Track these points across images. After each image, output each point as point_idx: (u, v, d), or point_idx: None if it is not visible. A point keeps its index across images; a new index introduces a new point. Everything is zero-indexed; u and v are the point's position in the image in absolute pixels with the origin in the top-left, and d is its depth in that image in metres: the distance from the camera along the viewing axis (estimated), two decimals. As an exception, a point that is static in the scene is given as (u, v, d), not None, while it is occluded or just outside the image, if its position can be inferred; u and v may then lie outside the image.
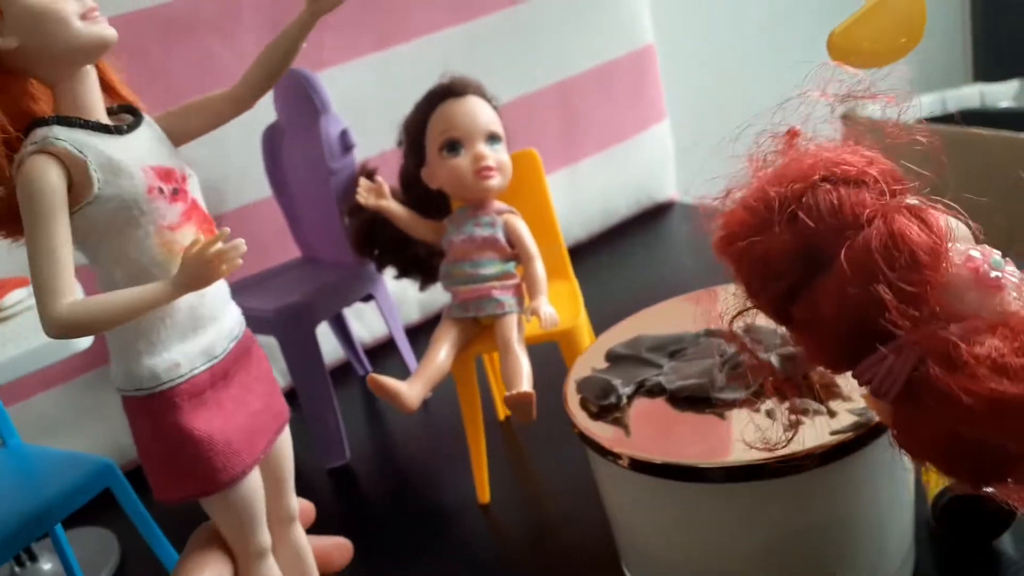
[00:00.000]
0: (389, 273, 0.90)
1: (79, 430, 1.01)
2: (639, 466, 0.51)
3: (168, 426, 0.45)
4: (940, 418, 0.34)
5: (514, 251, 0.74)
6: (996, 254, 0.35)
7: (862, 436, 0.47)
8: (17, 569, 0.82)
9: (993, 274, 0.33)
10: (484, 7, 1.15)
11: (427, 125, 0.74)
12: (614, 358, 0.62)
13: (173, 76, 0.98)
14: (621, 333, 0.66)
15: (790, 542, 0.51)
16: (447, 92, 0.74)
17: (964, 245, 0.35)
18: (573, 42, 1.26)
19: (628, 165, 1.36)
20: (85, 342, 0.75)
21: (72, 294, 0.41)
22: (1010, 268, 0.34)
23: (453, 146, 0.73)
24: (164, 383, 0.45)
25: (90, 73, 0.45)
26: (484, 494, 0.79)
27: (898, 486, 0.53)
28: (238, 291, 0.96)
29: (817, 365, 0.40)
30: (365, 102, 1.02)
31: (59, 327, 0.41)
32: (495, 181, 0.73)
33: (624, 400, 0.56)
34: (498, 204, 0.75)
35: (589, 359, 0.63)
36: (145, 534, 0.61)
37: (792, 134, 0.40)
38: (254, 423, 0.49)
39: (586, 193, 1.33)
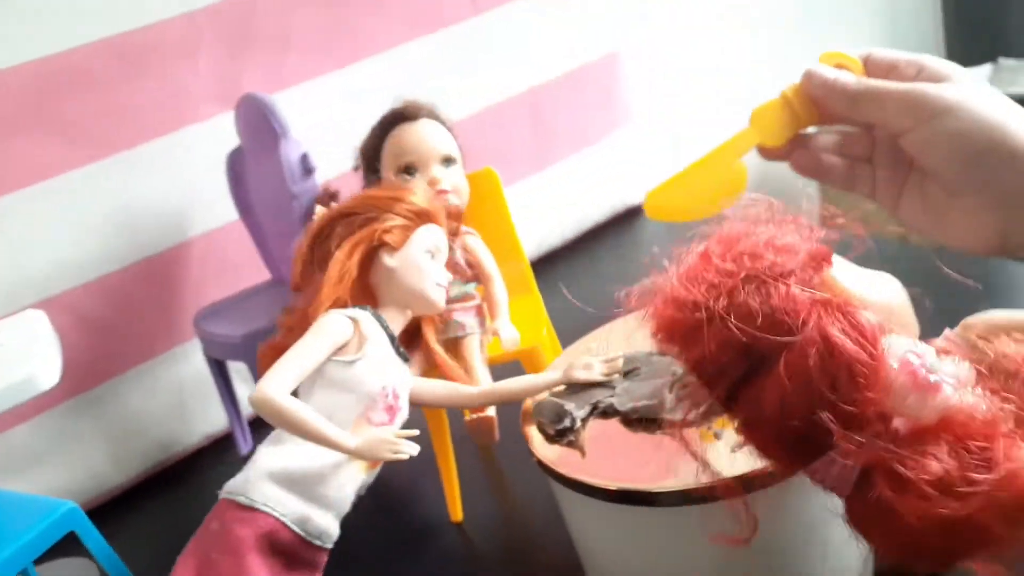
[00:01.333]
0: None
1: (57, 460, 1.01)
2: (594, 492, 0.52)
3: (236, 538, 0.52)
4: (891, 527, 0.34)
5: (474, 272, 0.74)
6: (930, 352, 0.35)
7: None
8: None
9: (931, 378, 0.34)
10: (445, 18, 1.15)
11: (382, 151, 0.75)
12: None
13: (140, 104, 0.98)
14: (578, 351, 0.66)
15: (749, 561, 0.51)
16: (399, 117, 0.74)
17: (899, 345, 0.35)
18: (539, 49, 1.27)
19: (599, 170, 1.37)
20: (49, 382, 0.74)
21: (290, 389, 0.52)
22: (947, 365, 0.35)
23: (408, 171, 0.73)
24: (265, 505, 0.53)
25: (405, 319, 0.62)
26: (456, 512, 0.79)
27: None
28: (208, 316, 0.97)
29: (767, 462, 0.41)
30: (327, 122, 1.01)
31: (259, 400, 0.51)
32: (453, 199, 0.73)
33: (578, 423, 0.57)
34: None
35: (546, 381, 0.63)
36: (110, 570, 0.62)
37: (704, 255, 0.41)
38: None
39: (559, 199, 1.33)
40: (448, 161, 0.74)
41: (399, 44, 1.11)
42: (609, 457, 0.54)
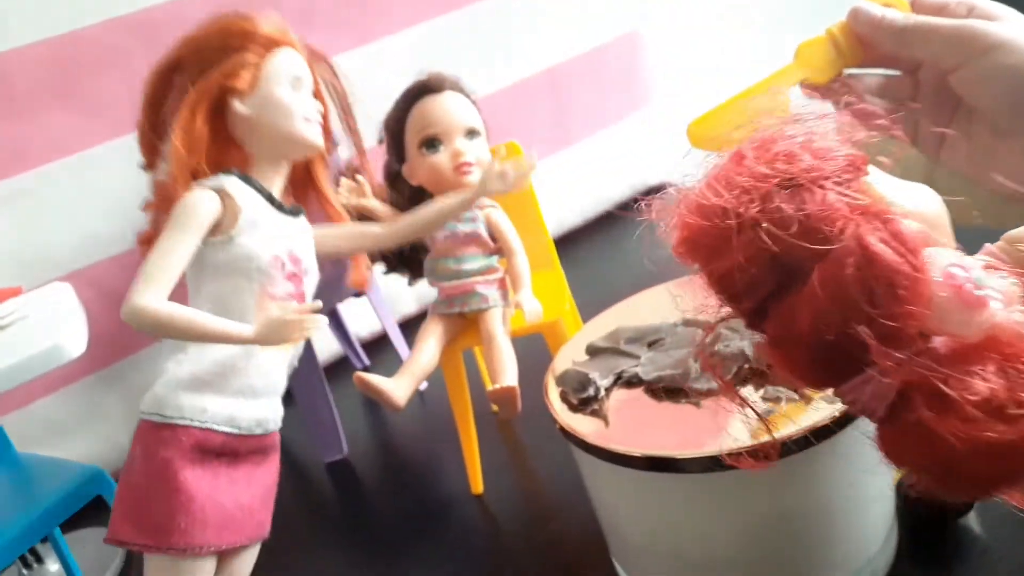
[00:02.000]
0: (379, 269, 0.91)
1: (81, 433, 1.02)
2: (619, 459, 0.52)
3: (161, 460, 0.47)
4: (930, 451, 0.33)
5: (497, 245, 0.74)
6: (978, 266, 0.33)
7: (837, 422, 0.48)
8: (24, 571, 0.83)
9: (977, 292, 0.31)
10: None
11: (406, 123, 0.75)
12: (593, 351, 0.62)
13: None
14: (602, 324, 0.66)
15: (772, 527, 0.52)
16: (424, 89, 0.74)
17: (943, 257, 0.34)
18: (562, 29, 1.26)
19: (619, 149, 1.36)
20: (77, 350, 0.76)
21: (164, 295, 0.46)
22: (993, 279, 0.32)
23: (432, 143, 0.73)
24: (182, 419, 0.48)
25: (285, 168, 0.54)
26: (477, 485, 0.80)
27: (875, 469, 0.53)
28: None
29: (793, 382, 0.39)
30: (350, 97, 1.02)
31: (136, 313, 0.45)
32: (474, 176, 0.73)
33: (602, 392, 0.57)
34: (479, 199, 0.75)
35: (570, 352, 0.64)
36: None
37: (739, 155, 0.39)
38: (235, 515, 0.50)
39: (579, 178, 1.33)
40: (472, 134, 0.74)
41: (422, 21, 1.11)
42: (633, 426, 0.54)
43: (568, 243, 1.28)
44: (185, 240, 0.47)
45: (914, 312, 0.31)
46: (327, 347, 1.13)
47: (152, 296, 0.46)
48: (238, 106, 0.50)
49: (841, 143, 0.37)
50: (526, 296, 0.71)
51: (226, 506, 0.48)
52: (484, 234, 0.74)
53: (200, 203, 0.48)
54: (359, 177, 0.76)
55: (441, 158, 0.73)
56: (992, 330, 0.31)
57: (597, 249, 1.28)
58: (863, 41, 0.52)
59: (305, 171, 0.57)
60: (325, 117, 0.55)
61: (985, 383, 0.29)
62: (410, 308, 1.22)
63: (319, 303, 0.49)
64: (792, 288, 0.34)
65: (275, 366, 0.52)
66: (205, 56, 0.51)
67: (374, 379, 0.67)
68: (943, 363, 0.31)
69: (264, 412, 0.52)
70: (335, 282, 0.97)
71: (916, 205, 0.36)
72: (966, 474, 0.31)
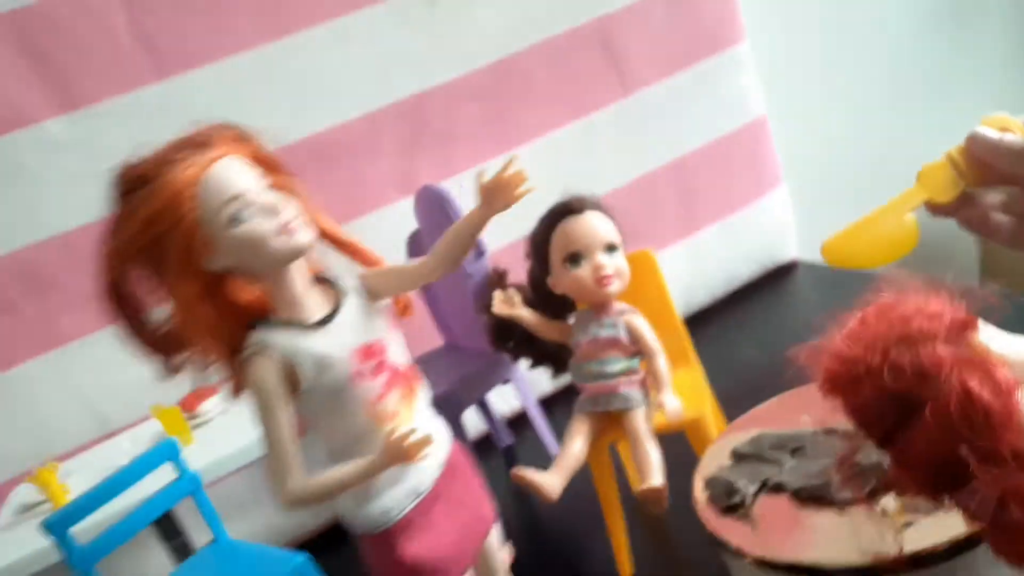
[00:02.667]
0: (523, 362, 0.98)
1: (261, 506, 1.14)
2: (765, 565, 0.56)
3: (389, 558, 0.53)
4: None
5: (637, 348, 0.80)
6: None
7: (976, 536, 0.50)
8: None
9: None
10: (597, 101, 1.23)
11: (551, 241, 0.82)
12: (739, 456, 0.66)
13: (328, 194, 1.11)
14: (745, 427, 0.70)
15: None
16: (567, 210, 0.82)
17: None
18: (686, 122, 1.32)
19: (747, 231, 1.40)
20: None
21: (298, 472, 0.50)
22: None
23: (575, 259, 0.80)
24: (380, 526, 0.53)
25: (295, 268, 0.52)
26: (624, 569, 0.84)
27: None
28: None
29: (914, 494, 0.45)
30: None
31: (291, 503, 0.50)
32: (614, 287, 0.80)
33: (749, 499, 0.61)
34: (619, 305, 0.82)
35: (715, 456, 0.68)
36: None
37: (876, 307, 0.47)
38: (463, 532, 0.55)
39: (708, 261, 1.37)
40: (611, 248, 0.81)
41: (553, 129, 1.20)
42: (779, 532, 0.58)
43: (699, 324, 1.32)
44: (278, 419, 0.49)
45: (1006, 436, 0.40)
46: (474, 426, 1.21)
47: (293, 482, 0.50)
48: (212, 264, 0.49)
49: (951, 305, 0.45)
50: (667, 396, 0.76)
51: (453, 535, 0.54)
52: (624, 338, 0.80)
53: (262, 378, 0.48)
54: (510, 289, 0.84)
55: (583, 272, 0.80)
56: None
57: (729, 329, 1.32)
58: (981, 163, 0.56)
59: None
60: (291, 185, 0.51)
61: None
62: (546, 388, 1.28)
63: (429, 435, 0.51)
64: (911, 421, 0.43)
65: (419, 431, 0.53)
66: (146, 257, 0.48)
67: (531, 475, 0.73)
68: None
69: (433, 460, 0.55)
70: (482, 375, 1.06)
71: (1017, 354, 0.43)
72: None
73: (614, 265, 0.80)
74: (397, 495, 0.53)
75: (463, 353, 1.10)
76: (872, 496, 0.58)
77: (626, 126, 1.24)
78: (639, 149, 1.28)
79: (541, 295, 0.87)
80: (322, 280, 0.55)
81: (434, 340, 1.15)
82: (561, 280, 0.82)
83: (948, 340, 0.43)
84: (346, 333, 0.52)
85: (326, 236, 0.56)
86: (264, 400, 0.49)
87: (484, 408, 1.21)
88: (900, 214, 0.57)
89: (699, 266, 1.35)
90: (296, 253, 0.51)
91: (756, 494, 0.62)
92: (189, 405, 0.93)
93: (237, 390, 0.53)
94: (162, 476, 0.76)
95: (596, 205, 0.83)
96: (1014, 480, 0.39)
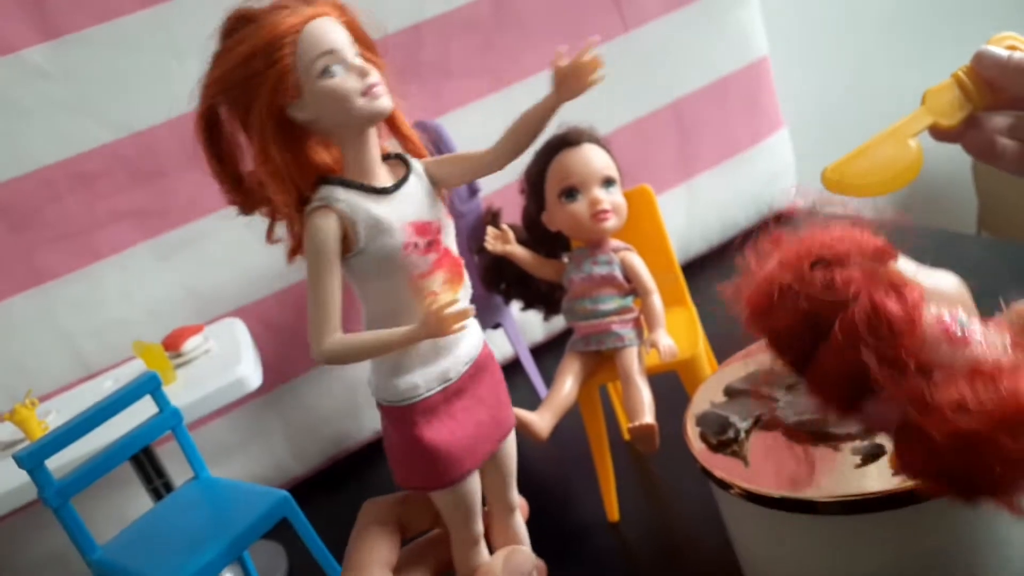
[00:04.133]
0: (515, 304, 0.96)
1: (247, 452, 1.13)
2: (756, 498, 0.55)
3: (405, 433, 0.53)
4: (923, 452, 0.41)
5: (631, 286, 0.78)
6: (963, 314, 0.43)
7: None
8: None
9: (960, 331, 0.42)
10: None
11: (546, 174, 0.80)
12: (732, 392, 0.65)
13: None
14: (739, 364, 0.69)
15: (909, 569, 0.53)
16: (563, 142, 0.79)
17: (938, 308, 0.43)
18: (686, 61, 1.29)
19: (746, 176, 1.37)
20: (255, 383, 0.85)
21: (337, 332, 0.49)
22: (974, 325, 0.43)
23: (570, 193, 0.78)
24: (404, 400, 0.52)
25: (370, 135, 0.52)
26: (613, 512, 0.83)
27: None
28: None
29: (828, 412, 0.47)
30: (486, 142, 1.08)
31: (328, 357, 0.49)
32: (611, 223, 0.77)
33: (742, 434, 0.60)
34: (614, 242, 0.80)
35: (708, 393, 0.67)
36: (314, 551, 0.70)
37: (776, 239, 0.49)
38: (479, 432, 0.55)
39: (704, 207, 1.34)
40: (608, 182, 0.79)
41: (550, 66, 1.16)
42: (772, 467, 0.57)
43: (694, 270, 1.30)
44: (328, 277, 0.49)
45: (909, 344, 0.42)
46: (463, 374, 1.19)
47: (330, 338, 0.49)
48: (296, 113, 0.50)
49: (875, 236, 0.46)
50: (661, 335, 0.75)
51: (469, 431, 0.54)
52: (619, 276, 0.78)
53: (320, 231, 0.49)
54: (503, 225, 0.82)
55: (579, 207, 0.77)
56: (975, 363, 0.41)
57: (725, 275, 1.29)
58: (990, 84, 0.53)
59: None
60: (381, 65, 0.52)
61: (956, 390, 0.40)
62: (538, 337, 1.27)
63: (469, 307, 0.50)
64: (822, 343, 0.44)
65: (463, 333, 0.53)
66: (239, 91, 0.49)
67: (520, 412, 0.72)
68: (934, 385, 0.41)
69: (465, 350, 0.54)
70: (476, 315, 1.04)
71: (935, 284, 0.45)
72: (953, 470, 0.40)
73: (611, 200, 0.78)
74: (428, 375, 0.52)
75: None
76: (869, 432, 0.56)
77: (626, 63, 1.21)
78: (638, 88, 1.25)
79: (535, 233, 0.85)
80: (390, 158, 0.55)
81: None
82: (556, 215, 0.80)
83: (863, 264, 0.44)
84: (406, 205, 0.52)
85: (392, 120, 0.56)
86: (319, 252, 0.49)
87: (475, 354, 1.19)
88: (904, 139, 0.54)
89: (696, 211, 1.32)
90: (377, 115, 0.51)
91: (749, 430, 0.60)
92: (173, 344, 0.91)
93: (294, 252, 0.53)
94: (143, 412, 0.74)
95: (594, 138, 0.80)
96: (913, 385, 0.41)
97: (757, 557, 0.61)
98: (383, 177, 0.53)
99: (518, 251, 0.82)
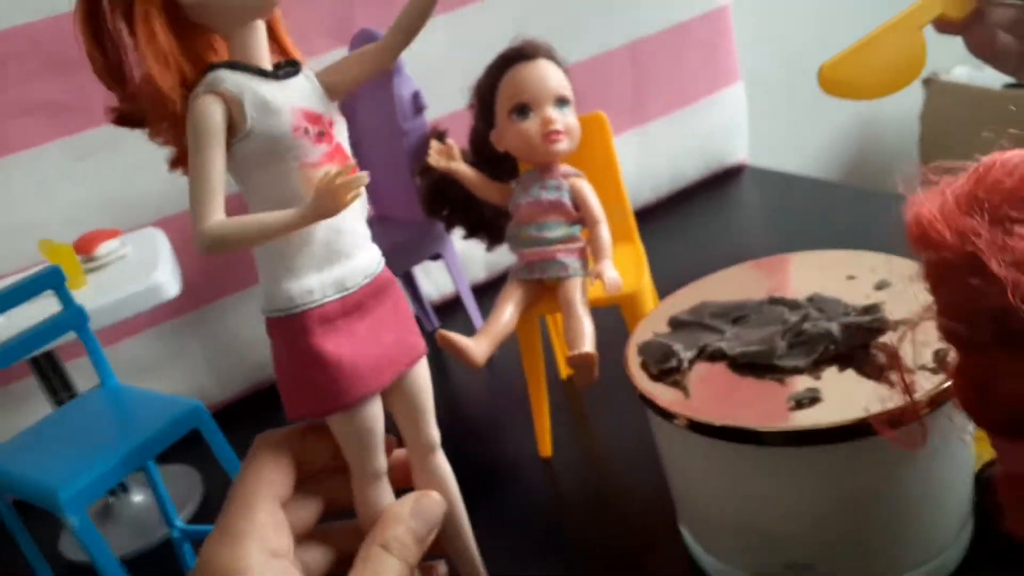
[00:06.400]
0: (457, 233, 0.92)
1: (164, 373, 1.07)
2: (697, 427, 0.53)
3: (299, 346, 0.48)
4: None
5: (579, 214, 0.75)
6: None
7: (929, 404, 0.48)
8: (110, 499, 0.88)
9: None
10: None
11: (497, 89, 0.75)
12: (677, 324, 0.63)
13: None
14: (685, 298, 0.67)
15: (849, 507, 0.52)
16: (517, 56, 0.75)
17: None
18: (646, 2, 1.25)
19: (698, 128, 1.35)
20: (173, 291, 0.79)
21: (219, 215, 0.46)
22: None
23: (522, 110, 0.74)
24: (298, 306, 0.48)
25: (259, 27, 0.49)
26: (545, 448, 0.81)
27: (958, 452, 0.53)
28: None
29: (974, 422, 0.37)
30: (437, 63, 1.03)
31: (209, 240, 0.45)
32: (563, 145, 0.74)
33: (685, 364, 0.58)
34: (564, 168, 0.76)
35: (651, 324, 0.64)
36: (228, 470, 0.66)
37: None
38: (383, 354, 0.51)
39: (655, 155, 1.32)
40: (562, 102, 0.75)
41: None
42: (714, 398, 0.55)
43: (642, 220, 1.28)
44: (211, 156, 0.46)
45: None
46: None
47: (210, 219, 0.46)
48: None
49: None
50: (607, 267, 0.72)
51: (372, 352, 0.50)
52: (568, 203, 0.75)
53: (204, 112, 0.46)
54: (448, 140, 0.77)
55: (530, 125, 0.74)
56: None
57: (671, 228, 1.28)
58: None
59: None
60: None
61: None
62: (480, 275, 1.23)
63: (352, 163, 0.48)
64: (1010, 347, 0.32)
65: (352, 222, 0.51)
66: None
67: (457, 338, 0.68)
68: None
69: (362, 263, 0.51)
70: (412, 245, 1.00)
71: None
72: None
73: (564, 121, 0.74)
74: (324, 280, 0.49)
75: (393, 223, 1.03)
76: (817, 367, 0.55)
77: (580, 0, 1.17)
78: (596, 23, 1.21)
79: (483, 154, 0.80)
80: (280, 66, 0.52)
81: (363, 209, 1.07)
82: (506, 134, 0.76)
83: None
84: (296, 93, 0.49)
85: (272, 28, 0.52)
86: (201, 134, 0.46)
87: (413, 290, 1.15)
88: (910, 31, 0.50)
89: (646, 160, 1.30)
90: (266, 6, 0.48)
91: (693, 360, 0.58)
92: (85, 247, 0.85)
93: (177, 161, 0.49)
94: (47, 313, 0.68)
95: (550, 54, 0.76)
96: None
97: (693, 488, 0.59)
98: (268, 67, 0.50)
99: (463, 168, 0.78)
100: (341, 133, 0.52)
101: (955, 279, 0.33)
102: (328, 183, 0.46)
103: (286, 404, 0.51)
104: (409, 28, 0.51)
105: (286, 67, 0.52)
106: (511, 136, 0.75)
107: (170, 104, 0.48)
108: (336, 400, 0.49)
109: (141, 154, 0.99)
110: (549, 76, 0.74)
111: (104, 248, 0.85)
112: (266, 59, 0.50)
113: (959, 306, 0.34)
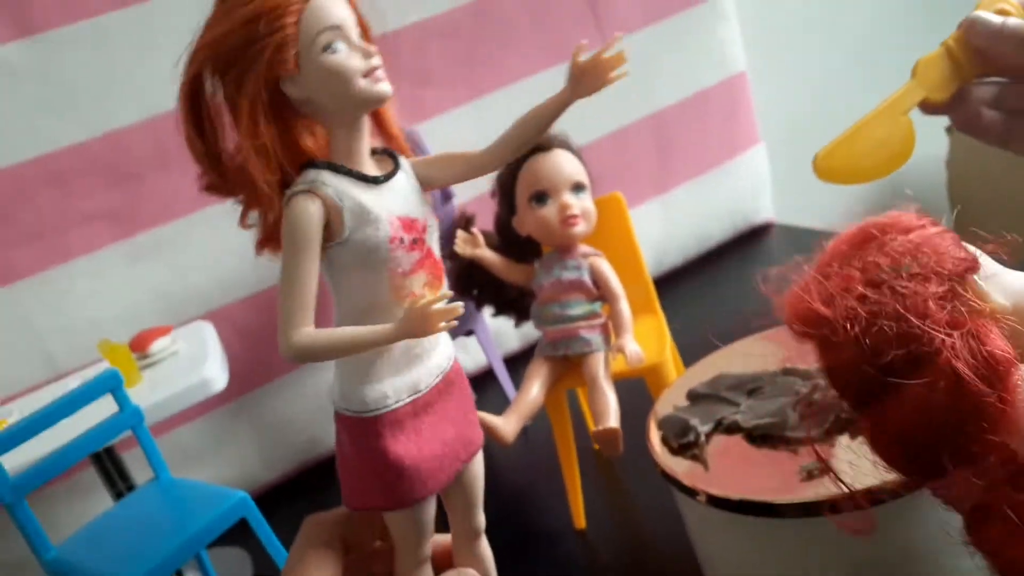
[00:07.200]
0: (487, 311, 0.96)
1: (215, 458, 1.12)
2: (716, 502, 0.54)
3: (368, 447, 0.49)
4: (1001, 559, 0.35)
5: (600, 292, 0.78)
6: None
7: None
8: (167, 585, 0.92)
9: None
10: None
11: (517, 178, 0.80)
12: (695, 396, 0.65)
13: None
14: (703, 370, 0.69)
15: (867, 573, 0.53)
16: (535, 147, 0.79)
17: None
18: (664, 75, 1.30)
19: (722, 190, 1.38)
20: (221, 384, 0.84)
21: (309, 324, 0.46)
22: None
23: (540, 197, 0.78)
24: (372, 411, 0.49)
25: (364, 122, 0.49)
26: (580, 519, 0.83)
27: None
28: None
29: (886, 469, 0.39)
30: (465, 147, 1.08)
31: (294, 353, 0.45)
32: (580, 228, 0.78)
33: (702, 438, 0.60)
34: (584, 248, 0.80)
35: (671, 397, 0.66)
36: (275, 556, 0.69)
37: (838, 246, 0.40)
38: (445, 451, 0.51)
39: (681, 220, 1.35)
40: (578, 188, 0.79)
41: (529, 75, 1.17)
42: (731, 470, 0.56)
43: (669, 284, 1.31)
44: (306, 262, 0.46)
45: (997, 441, 0.33)
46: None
47: (301, 331, 0.46)
48: (291, 88, 0.47)
49: (954, 243, 0.37)
50: (628, 341, 0.74)
51: (435, 450, 0.50)
52: (588, 281, 0.78)
53: (303, 215, 0.46)
54: (473, 229, 0.82)
55: (549, 211, 0.78)
56: None
57: (699, 289, 1.30)
58: (980, 52, 0.49)
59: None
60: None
61: None
62: (513, 345, 1.27)
63: (448, 292, 0.48)
64: (890, 390, 0.36)
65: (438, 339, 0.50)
66: (234, 58, 0.46)
67: (485, 416, 0.71)
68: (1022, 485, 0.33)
69: (436, 361, 0.51)
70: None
71: (1021, 301, 0.36)
72: None
73: (580, 206, 0.78)
74: (397, 385, 0.50)
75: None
76: (828, 435, 0.56)
77: (603, 76, 1.21)
78: (616, 100, 1.25)
79: (507, 238, 0.85)
80: (377, 153, 0.52)
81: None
82: (526, 220, 0.80)
83: (943, 294, 0.35)
84: (394, 199, 0.49)
85: (381, 117, 0.53)
86: (299, 236, 0.46)
87: (450, 363, 1.19)
88: (896, 116, 0.51)
89: (672, 225, 1.33)
90: (377, 98, 0.48)
91: (710, 434, 0.60)
92: (140, 345, 0.90)
93: (264, 242, 0.49)
94: (108, 412, 0.74)
95: (564, 144, 0.80)
96: (993, 491, 0.34)
97: (717, 560, 0.61)
98: (371, 168, 0.50)
99: (487, 255, 0.82)
100: (432, 237, 0.52)
101: (825, 351, 0.37)
102: (423, 309, 0.45)
103: (346, 495, 0.52)
104: (525, 140, 0.52)
105: (384, 155, 0.51)
106: (531, 222, 0.79)
107: (265, 199, 0.48)
108: (399, 500, 0.50)
109: (190, 253, 1.07)
110: (564, 164, 0.79)
111: (157, 345, 0.91)
112: (366, 152, 0.50)
113: (835, 371, 0.38)
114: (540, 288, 0.80)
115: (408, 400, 0.50)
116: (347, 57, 0.47)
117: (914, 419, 0.35)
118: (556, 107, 0.52)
